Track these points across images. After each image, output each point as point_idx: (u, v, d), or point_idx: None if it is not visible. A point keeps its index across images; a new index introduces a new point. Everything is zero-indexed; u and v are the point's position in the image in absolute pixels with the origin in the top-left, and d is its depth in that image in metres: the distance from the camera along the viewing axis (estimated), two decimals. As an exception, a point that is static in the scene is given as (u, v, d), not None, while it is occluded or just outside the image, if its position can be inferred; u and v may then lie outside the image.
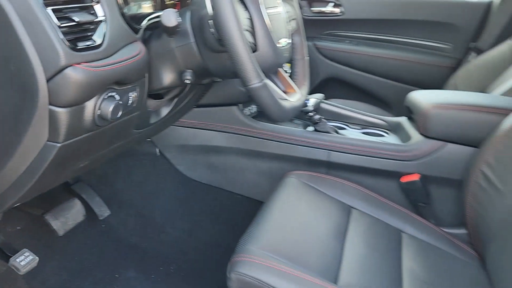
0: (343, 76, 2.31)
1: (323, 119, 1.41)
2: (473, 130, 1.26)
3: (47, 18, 0.69)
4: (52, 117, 0.74)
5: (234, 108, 1.43)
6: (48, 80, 0.71)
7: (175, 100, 1.18)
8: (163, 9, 0.95)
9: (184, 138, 1.47)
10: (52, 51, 0.69)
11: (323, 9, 2.32)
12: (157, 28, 1.00)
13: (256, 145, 1.43)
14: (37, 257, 1.09)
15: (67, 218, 1.28)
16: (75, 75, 0.71)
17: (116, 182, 1.55)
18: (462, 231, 1.29)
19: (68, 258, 1.40)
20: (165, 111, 1.17)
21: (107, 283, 1.38)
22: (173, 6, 1.16)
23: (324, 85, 2.34)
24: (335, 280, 0.95)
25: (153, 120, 1.13)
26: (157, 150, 1.51)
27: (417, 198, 1.32)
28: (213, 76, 1.05)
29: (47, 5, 0.70)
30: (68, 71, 0.71)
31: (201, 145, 1.47)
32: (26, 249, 1.09)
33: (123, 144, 1.05)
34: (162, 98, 1.15)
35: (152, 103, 1.10)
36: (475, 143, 1.24)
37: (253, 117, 1.47)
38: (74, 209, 1.32)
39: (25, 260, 1.05)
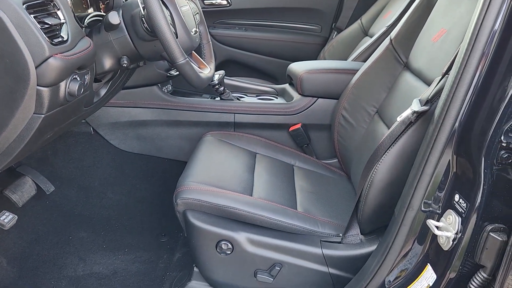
0: (236, 58, 2.73)
1: (227, 90, 1.81)
2: (334, 86, 1.75)
3: (33, 22, 0.97)
4: (39, 95, 1.01)
5: (154, 87, 1.75)
6: (36, 67, 0.98)
7: (110, 82, 1.48)
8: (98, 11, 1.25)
9: (114, 116, 1.76)
10: (39, 46, 0.97)
11: (213, 1, 2.71)
12: (94, 25, 1.30)
13: (176, 115, 1.78)
14: (16, 216, 1.32)
15: (23, 192, 1.51)
16: (56, 62, 1.00)
17: (56, 161, 1.78)
18: (334, 160, 1.79)
19: (23, 230, 1.63)
20: (103, 91, 1.46)
21: (64, 244, 1.64)
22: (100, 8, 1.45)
23: (221, 67, 2.73)
24: (251, 194, 1.36)
25: (95, 99, 1.42)
26: (91, 129, 1.78)
27: (302, 141, 1.79)
28: (144, 59, 1.38)
29: (30, 13, 0.98)
30: (51, 60, 0.99)
31: (129, 120, 1.78)
32: (5, 210, 1.32)
33: (75, 119, 1.33)
34: (100, 81, 1.44)
35: (94, 85, 1.39)
36: (336, 96, 1.74)
37: (171, 94, 1.82)
38: (27, 184, 1.55)
39: (7, 218, 1.28)
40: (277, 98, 1.95)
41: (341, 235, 1.26)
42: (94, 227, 1.74)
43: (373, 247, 1.21)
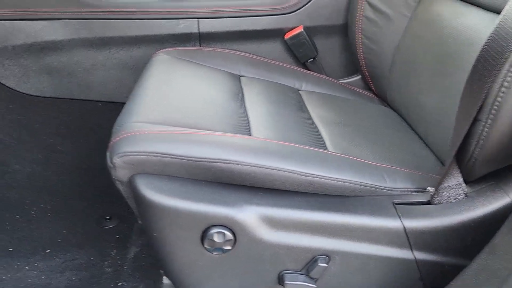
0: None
1: (181, -16, 1.15)
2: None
3: None
4: None
5: (62, -17, 1.06)
6: None
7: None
8: None
9: (1, 36, 1.07)
10: None
11: None
12: None
13: (105, 29, 1.11)
14: None
15: None
16: None
17: None
18: (355, 78, 1.20)
19: None
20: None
21: None
22: None
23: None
24: (248, 133, 0.76)
25: None
26: (-35, 63, 1.09)
27: (305, 53, 1.18)
28: None
29: None
30: None
31: (28, 43, 1.09)
32: None
33: None
34: None
35: None
36: (353, -23, 1.13)
37: (92, -4, 1.13)
38: None
39: None
40: (257, -3, 1.31)
41: (430, 189, 0.69)
42: (-6, 219, 1.09)
43: (497, 204, 0.65)
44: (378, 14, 1.06)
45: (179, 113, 0.75)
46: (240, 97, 0.92)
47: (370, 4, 1.07)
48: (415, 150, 0.87)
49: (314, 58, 1.19)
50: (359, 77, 1.19)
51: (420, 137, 0.93)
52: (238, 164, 0.63)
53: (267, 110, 0.88)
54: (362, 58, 1.11)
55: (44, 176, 1.17)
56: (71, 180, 1.17)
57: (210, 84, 0.93)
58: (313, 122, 0.90)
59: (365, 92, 1.16)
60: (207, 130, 0.71)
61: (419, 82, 0.91)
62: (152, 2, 1.12)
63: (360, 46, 1.11)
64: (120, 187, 0.68)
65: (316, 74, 1.16)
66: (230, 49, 1.14)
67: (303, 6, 1.15)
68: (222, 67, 1.06)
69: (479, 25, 0.79)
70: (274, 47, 1.19)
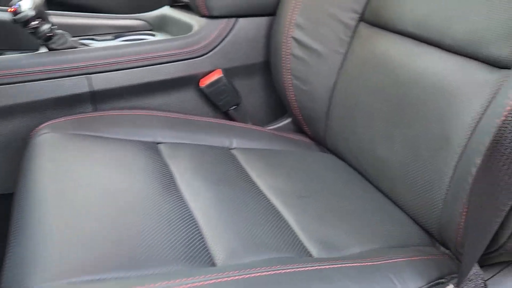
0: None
1: (58, 30, 0.87)
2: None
3: None
4: None
5: None
6: None
7: None
8: None
9: None
10: None
11: None
12: None
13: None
14: None
15: None
16: None
17: None
18: (285, 121, 1.06)
19: None
20: None
21: None
22: None
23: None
24: (211, 262, 0.55)
25: None
26: None
27: (228, 101, 1.00)
28: None
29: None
30: None
31: None
32: None
33: None
34: None
35: None
36: (270, 9, 0.98)
37: None
38: None
39: None
40: (155, 35, 1.09)
41: (450, 286, 0.57)
42: None
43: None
44: (306, 51, 0.93)
45: (109, 245, 0.51)
46: (170, 180, 0.71)
47: (297, 41, 0.93)
48: (386, 210, 0.75)
49: (237, 105, 1.01)
50: (289, 120, 1.05)
51: (378, 188, 0.82)
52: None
53: (211, 200, 0.68)
54: (294, 100, 0.97)
55: None
56: None
57: (128, 170, 0.70)
58: (270, 203, 0.72)
59: (300, 138, 1.02)
60: (158, 266, 0.49)
61: (373, 131, 0.80)
62: (20, 57, 0.83)
63: (290, 87, 0.96)
64: None
65: (243, 124, 0.99)
66: (135, 109, 0.91)
67: (217, 46, 0.97)
68: (132, 135, 0.83)
69: (445, 69, 0.69)
70: (188, 97, 0.98)
